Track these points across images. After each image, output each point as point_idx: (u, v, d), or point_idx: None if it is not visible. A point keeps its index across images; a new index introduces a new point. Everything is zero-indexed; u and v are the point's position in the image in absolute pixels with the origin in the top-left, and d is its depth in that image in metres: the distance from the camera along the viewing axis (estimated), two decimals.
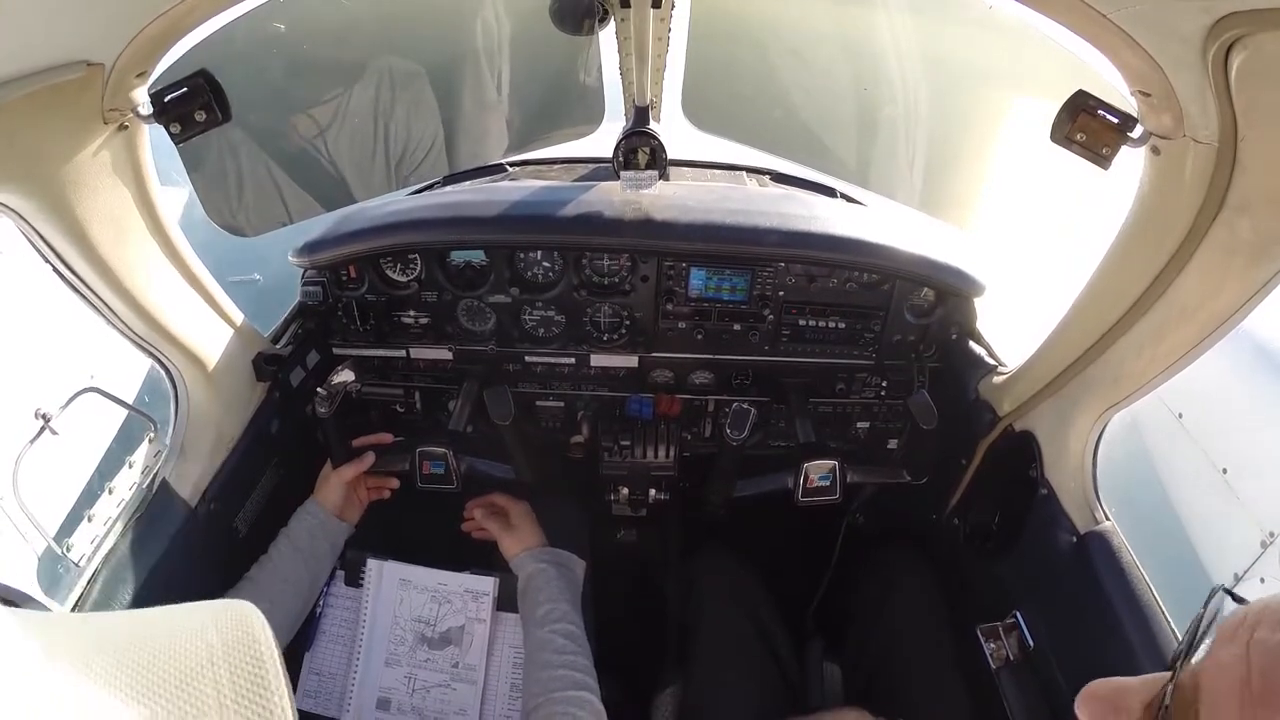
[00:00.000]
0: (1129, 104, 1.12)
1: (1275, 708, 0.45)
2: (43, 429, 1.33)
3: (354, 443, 1.83)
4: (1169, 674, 0.53)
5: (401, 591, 1.68)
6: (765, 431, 2.11)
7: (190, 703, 0.42)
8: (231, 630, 0.46)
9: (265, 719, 0.44)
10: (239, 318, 1.67)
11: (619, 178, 1.92)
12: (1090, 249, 1.38)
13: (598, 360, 2.03)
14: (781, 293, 1.92)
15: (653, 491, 2.09)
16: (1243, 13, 0.76)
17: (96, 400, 1.47)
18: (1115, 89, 1.12)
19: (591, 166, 2.25)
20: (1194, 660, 0.52)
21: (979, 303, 1.92)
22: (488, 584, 1.67)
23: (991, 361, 1.85)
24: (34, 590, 1.12)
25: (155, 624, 0.46)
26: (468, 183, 2.29)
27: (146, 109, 1.21)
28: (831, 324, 1.96)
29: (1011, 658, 1.53)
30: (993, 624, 1.57)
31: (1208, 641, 0.51)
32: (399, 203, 1.97)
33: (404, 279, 1.93)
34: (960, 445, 1.85)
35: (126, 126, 1.20)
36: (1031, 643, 1.51)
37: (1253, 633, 0.48)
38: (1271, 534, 2.84)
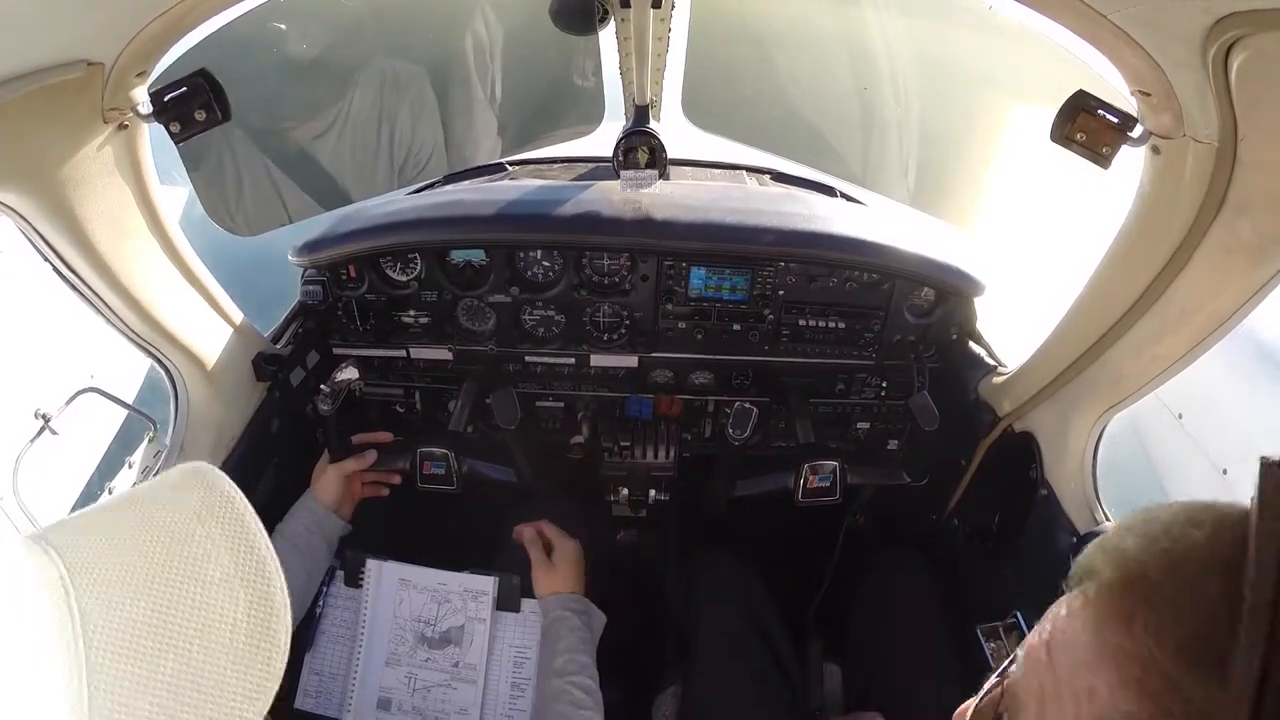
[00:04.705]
0: (1129, 104, 1.12)
1: (1070, 657, 0.52)
2: (43, 429, 1.33)
3: (354, 439, 1.83)
4: (999, 681, 0.61)
5: (401, 591, 1.67)
6: (765, 432, 2.11)
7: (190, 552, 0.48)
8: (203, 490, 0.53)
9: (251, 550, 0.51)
10: (239, 317, 1.67)
11: (619, 177, 1.92)
12: (1090, 249, 1.38)
13: (598, 360, 2.03)
14: (781, 292, 1.92)
15: (653, 492, 2.09)
16: (1243, 13, 0.76)
17: (96, 400, 1.47)
18: (1115, 89, 1.12)
19: (591, 166, 2.25)
20: (1013, 670, 0.60)
21: (979, 303, 1.92)
22: (487, 584, 1.67)
23: (991, 362, 1.85)
24: None
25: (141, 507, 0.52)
26: (467, 182, 2.29)
27: (146, 108, 1.21)
28: (831, 324, 1.96)
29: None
30: (993, 624, 1.57)
31: (1022, 650, 0.59)
32: (399, 202, 1.97)
33: (404, 278, 1.93)
34: (960, 446, 1.85)
35: (126, 126, 1.20)
36: None
37: (1053, 619, 0.56)
38: None
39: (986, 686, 0.64)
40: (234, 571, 0.49)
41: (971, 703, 0.66)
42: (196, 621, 0.46)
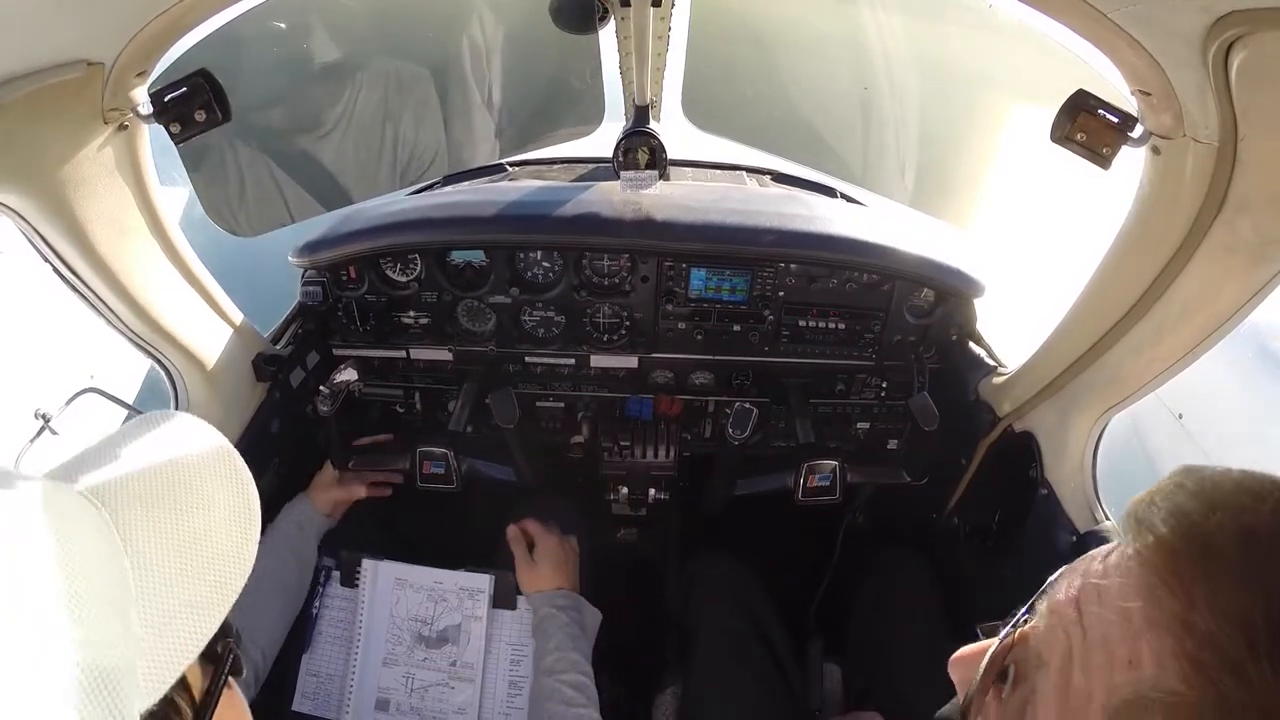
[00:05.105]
0: (1129, 103, 1.12)
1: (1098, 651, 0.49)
2: (42, 429, 1.32)
3: (356, 444, 1.84)
4: (1012, 630, 0.59)
5: (397, 591, 1.67)
6: (765, 431, 2.11)
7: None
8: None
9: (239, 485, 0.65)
10: (239, 318, 1.67)
11: (619, 177, 1.92)
12: (1090, 249, 1.38)
13: (597, 361, 2.03)
14: (781, 293, 1.92)
15: (652, 491, 2.09)
16: (1243, 12, 0.76)
17: (97, 400, 1.47)
18: (1115, 89, 1.12)
19: (591, 166, 2.25)
20: (1031, 621, 0.58)
21: (979, 303, 1.92)
22: (483, 581, 1.67)
23: (991, 362, 1.85)
24: None
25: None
26: (467, 183, 2.29)
27: (146, 108, 1.21)
28: (831, 325, 1.96)
29: None
30: (993, 624, 1.57)
31: (1043, 603, 0.57)
32: (399, 203, 1.97)
33: (404, 279, 1.93)
34: (960, 445, 1.85)
35: (126, 126, 1.20)
36: None
37: (1084, 573, 0.54)
38: None
39: (1001, 634, 0.60)
40: (215, 463, 0.65)
41: (981, 646, 0.62)
42: (194, 493, 0.61)
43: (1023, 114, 1.80)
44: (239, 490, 0.64)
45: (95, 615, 0.48)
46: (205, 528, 0.59)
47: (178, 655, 0.53)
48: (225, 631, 0.61)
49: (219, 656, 0.62)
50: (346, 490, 1.85)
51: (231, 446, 0.67)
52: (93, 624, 0.47)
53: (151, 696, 0.50)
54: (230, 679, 0.63)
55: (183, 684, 0.57)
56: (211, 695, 0.60)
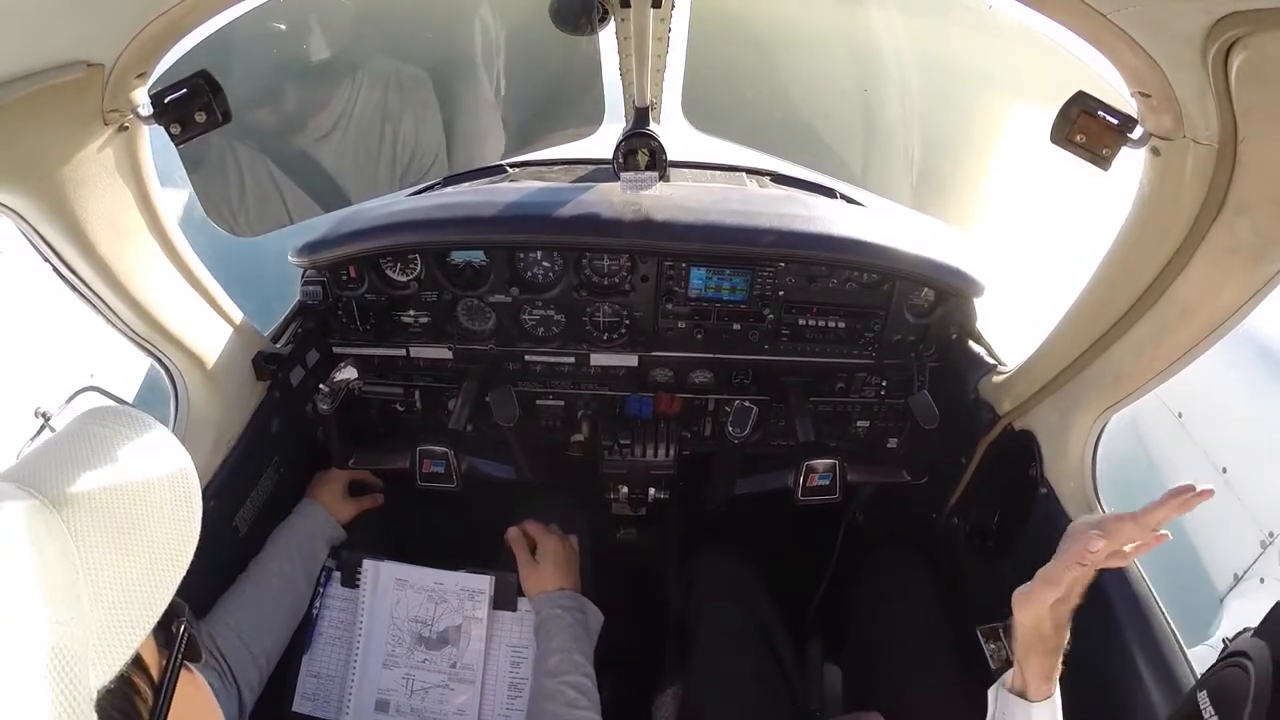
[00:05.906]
0: (1129, 105, 1.12)
1: None
2: (43, 427, 1.33)
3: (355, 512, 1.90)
4: None
5: (398, 592, 1.67)
6: (765, 430, 2.11)
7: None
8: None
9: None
10: (238, 317, 1.68)
11: (619, 179, 1.92)
12: (1090, 249, 1.38)
13: (598, 359, 2.03)
14: (781, 293, 1.92)
15: (652, 490, 2.09)
16: (1243, 12, 0.76)
17: (96, 399, 1.47)
18: (1115, 90, 1.12)
19: (591, 167, 2.25)
20: None
21: (979, 303, 1.92)
22: (484, 582, 1.67)
23: (991, 361, 1.85)
24: None
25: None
26: (468, 183, 2.29)
27: (146, 110, 1.21)
28: (831, 324, 1.96)
29: (1012, 658, 1.53)
30: (993, 624, 1.57)
31: None
32: (399, 203, 1.98)
33: (404, 279, 1.93)
34: (960, 444, 1.85)
35: (126, 127, 1.20)
36: None
37: None
38: (1271, 534, 2.84)
39: None
40: (150, 451, 0.66)
41: None
42: (137, 493, 0.62)
43: (1022, 115, 1.80)
44: (178, 477, 0.66)
45: (55, 596, 0.50)
46: (143, 511, 0.61)
47: (127, 633, 0.55)
48: (177, 612, 0.63)
49: (174, 637, 0.64)
50: (363, 502, 1.89)
51: (157, 423, 0.69)
52: (54, 605, 0.49)
53: (107, 674, 0.52)
54: (189, 664, 0.66)
55: (139, 664, 0.59)
56: (167, 674, 0.62)
